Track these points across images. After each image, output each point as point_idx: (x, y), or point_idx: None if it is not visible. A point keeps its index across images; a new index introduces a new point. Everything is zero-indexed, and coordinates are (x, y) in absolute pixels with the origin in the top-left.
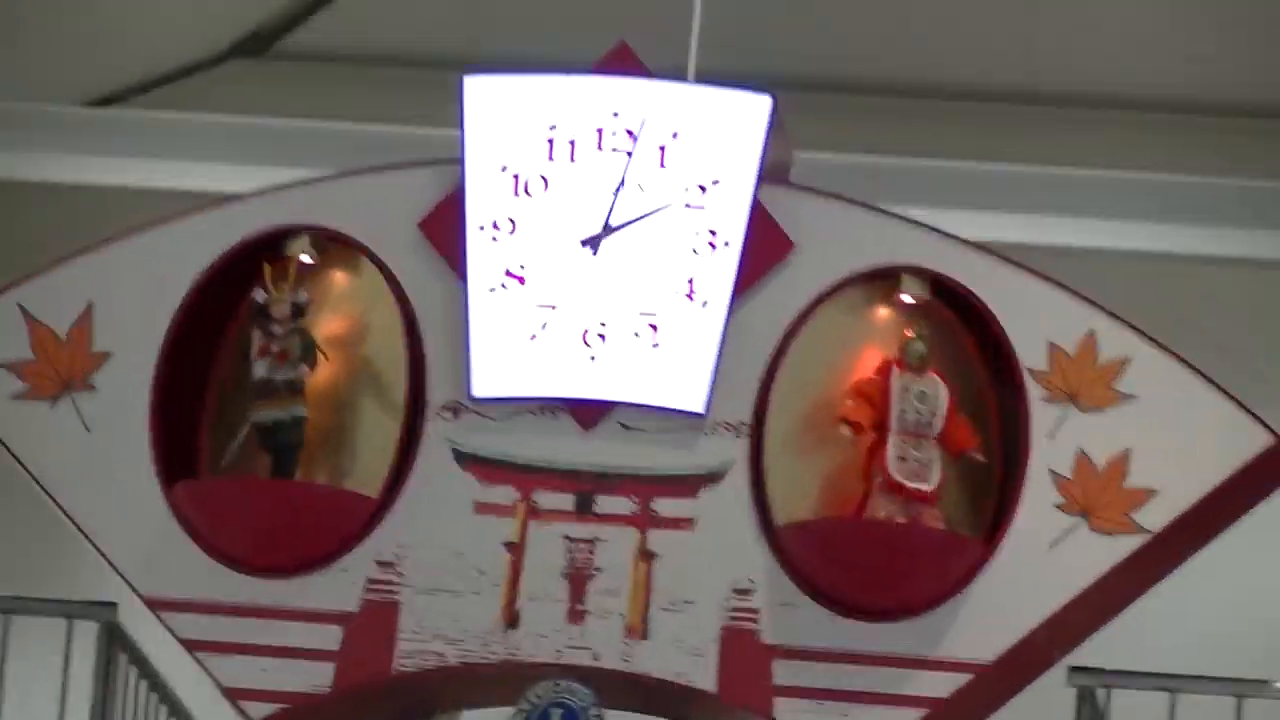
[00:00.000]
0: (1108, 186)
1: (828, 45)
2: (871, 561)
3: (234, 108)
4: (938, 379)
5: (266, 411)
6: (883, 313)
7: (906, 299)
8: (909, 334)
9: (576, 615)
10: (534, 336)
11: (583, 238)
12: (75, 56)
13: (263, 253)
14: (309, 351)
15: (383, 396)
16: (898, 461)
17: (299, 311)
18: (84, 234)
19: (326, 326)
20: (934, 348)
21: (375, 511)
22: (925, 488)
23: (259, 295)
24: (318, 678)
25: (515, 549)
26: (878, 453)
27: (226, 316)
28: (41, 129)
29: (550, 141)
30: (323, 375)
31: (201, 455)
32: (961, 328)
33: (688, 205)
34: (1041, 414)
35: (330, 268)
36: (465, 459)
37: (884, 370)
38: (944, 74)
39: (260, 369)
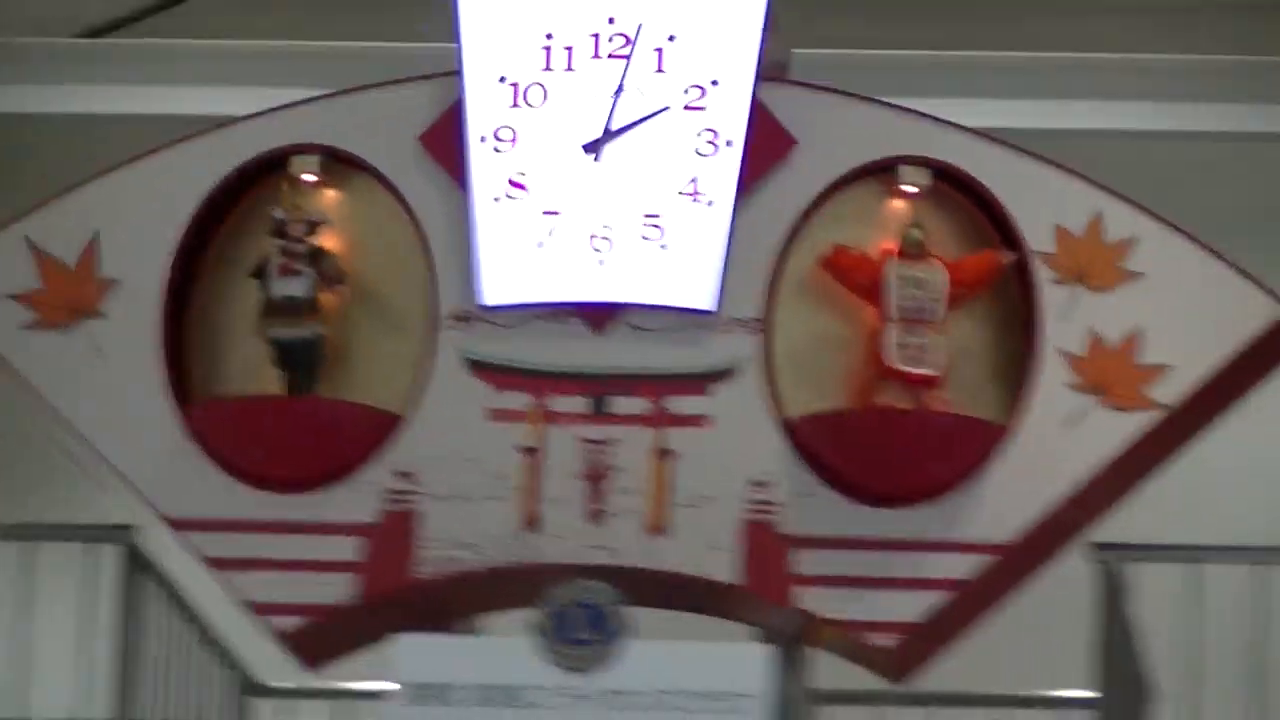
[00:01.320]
0: (1108, 67)
1: None
2: (881, 449)
3: (228, 32)
4: (937, 264)
5: (286, 329)
6: (886, 204)
7: (908, 189)
8: (908, 224)
9: (595, 515)
10: (541, 243)
11: (584, 143)
12: None
13: (265, 174)
14: (332, 268)
15: (391, 310)
16: (897, 349)
17: (314, 229)
18: (87, 164)
19: (332, 244)
20: (947, 236)
21: (391, 424)
22: (927, 372)
23: (276, 213)
24: (340, 589)
25: (532, 453)
26: (879, 342)
27: (231, 238)
28: (39, 62)
29: (547, 50)
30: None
31: (208, 376)
32: (971, 215)
33: (687, 107)
34: (1052, 296)
35: (333, 186)
36: (478, 367)
37: (879, 259)
38: None
39: (280, 287)
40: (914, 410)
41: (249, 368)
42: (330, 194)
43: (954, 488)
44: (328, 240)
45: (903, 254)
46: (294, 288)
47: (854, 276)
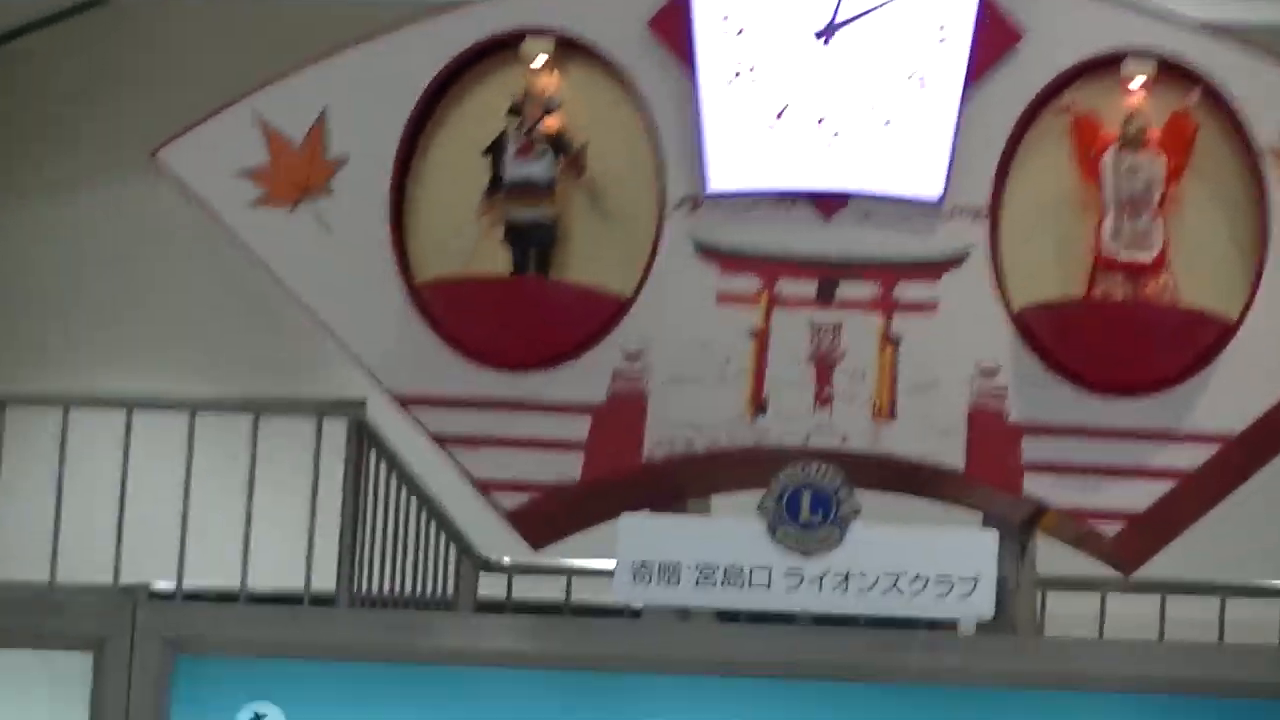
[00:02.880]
0: None
1: None
2: (1101, 340)
3: None
4: (1155, 153)
5: (523, 210)
6: (1112, 95)
7: (1135, 81)
8: (1129, 115)
9: (823, 399)
10: (770, 128)
11: (814, 30)
12: None
13: (494, 56)
14: (577, 154)
15: (620, 195)
16: (1113, 235)
17: (550, 112)
18: (317, 43)
19: (562, 127)
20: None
21: (620, 307)
22: (1144, 258)
23: (514, 97)
24: (567, 468)
25: (760, 336)
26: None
27: (460, 119)
28: None
29: None
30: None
31: (435, 253)
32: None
33: None
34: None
35: (562, 70)
36: (706, 251)
37: (1098, 150)
38: None
39: (519, 169)
40: (1133, 302)
41: (477, 246)
42: (559, 77)
43: (1178, 380)
44: (559, 123)
45: (1123, 143)
46: (533, 170)
47: (1087, 143)
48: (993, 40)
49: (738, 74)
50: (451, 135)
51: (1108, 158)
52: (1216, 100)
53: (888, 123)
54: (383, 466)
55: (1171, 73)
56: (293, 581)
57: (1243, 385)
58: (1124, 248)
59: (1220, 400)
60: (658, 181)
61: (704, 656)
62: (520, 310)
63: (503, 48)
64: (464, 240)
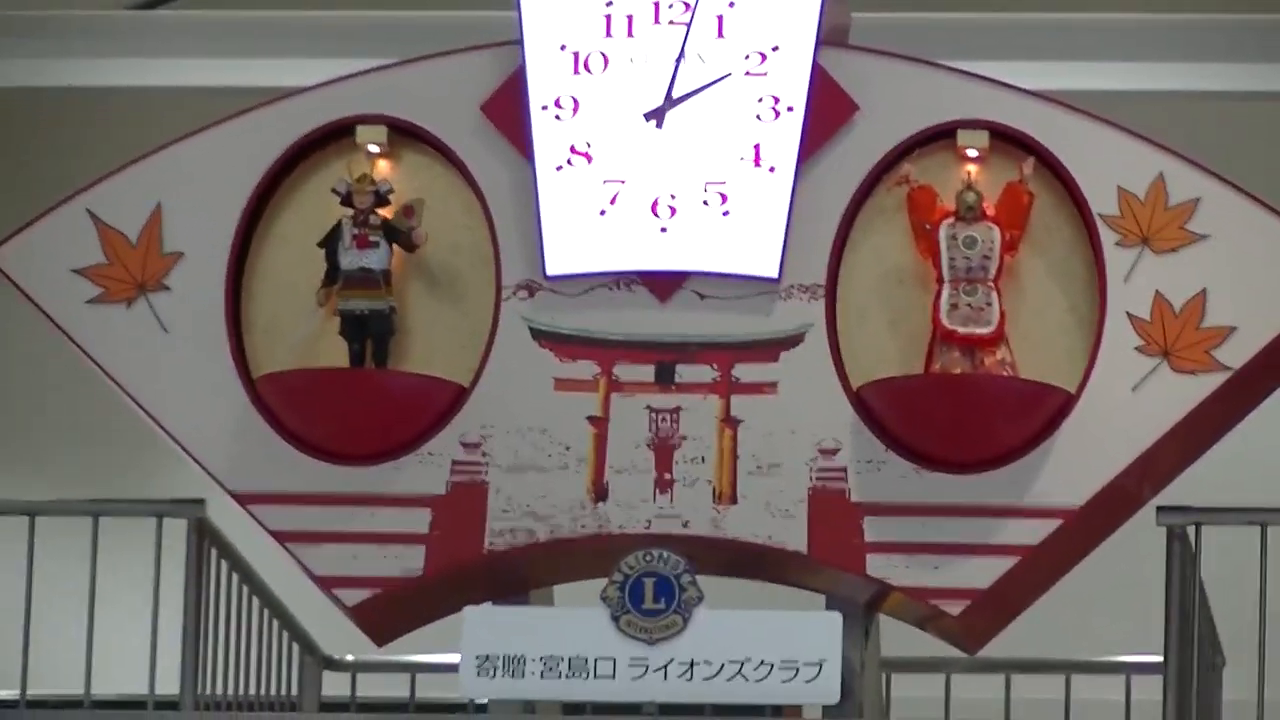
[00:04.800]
0: (1169, 27)
1: None
2: (941, 414)
3: (284, 3)
4: (990, 225)
5: (360, 301)
6: (949, 168)
7: (970, 152)
8: (964, 186)
9: (664, 484)
10: (604, 211)
11: (646, 111)
12: None
13: (327, 145)
14: (407, 239)
15: (454, 281)
16: (950, 309)
17: (382, 200)
18: (149, 137)
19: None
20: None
21: (458, 395)
22: (981, 331)
23: (340, 185)
24: (410, 561)
25: (599, 422)
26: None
27: (294, 209)
28: (99, 34)
29: (607, 17)
30: (395, 262)
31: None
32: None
33: (748, 73)
34: (1116, 258)
35: (396, 156)
36: (543, 336)
37: (934, 222)
38: None
39: (355, 259)
40: (971, 376)
41: (315, 339)
42: (392, 163)
43: (1019, 454)
44: (391, 210)
45: (958, 216)
46: (369, 259)
47: (922, 215)
48: (827, 114)
49: (571, 157)
50: (288, 226)
51: (943, 230)
52: (1051, 168)
53: (723, 201)
54: (223, 566)
55: (1006, 143)
56: (138, 686)
57: (1083, 458)
58: (961, 322)
59: (1062, 473)
60: (494, 267)
61: None
62: (358, 402)
63: (336, 136)
64: (302, 332)
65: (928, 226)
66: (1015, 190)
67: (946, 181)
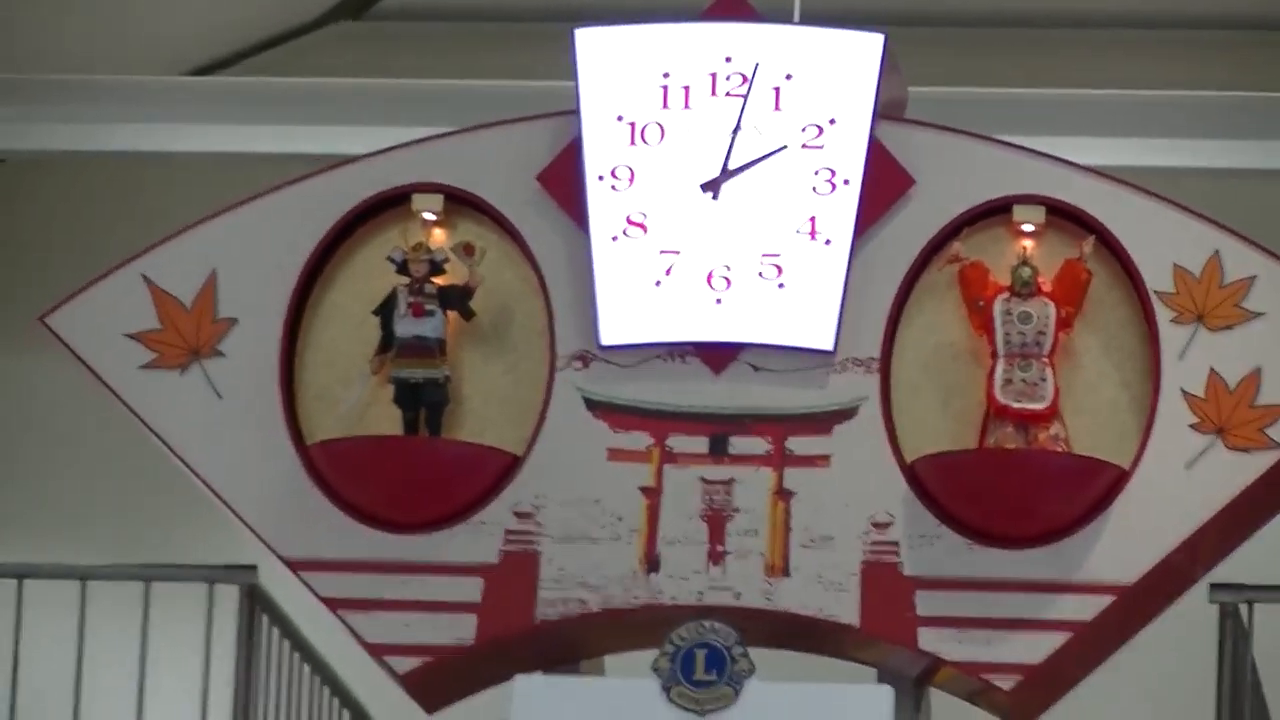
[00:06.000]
0: (1227, 105)
1: None
2: (994, 490)
3: (338, 71)
4: (1045, 300)
5: (415, 369)
6: (1002, 242)
7: (1026, 228)
8: (1019, 262)
9: (717, 556)
10: (659, 283)
11: (702, 182)
12: (174, 27)
13: (383, 213)
14: (464, 306)
15: (509, 351)
16: (1004, 385)
17: (437, 269)
18: (205, 203)
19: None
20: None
21: (511, 464)
22: (1035, 407)
23: (395, 254)
24: (461, 630)
25: (651, 493)
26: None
27: (349, 277)
28: (157, 99)
29: (664, 89)
30: (449, 331)
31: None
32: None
33: (805, 146)
34: (1170, 335)
35: (451, 225)
36: (597, 407)
37: (989, 297)
38: (1050, 2)
39: (410, 327)
40: (1025, 451)
41: (369, 406)
42: (448, 232)
43: (1072, 530)
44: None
45: (1013, 291)
46: (425, 328)
47: (975, 291)
48: (884, 188)
49: (627, 228)
50: (342, 293)
51: (998, 305)
52: (1106, 244)
53: (778, 274)
54: (275, 633)
55: (1061, 218)
56: None
57: (1136, 534)
58: (1015, 397)
59: (1114, 550)
60: (548, 336)
61: None
62: (411, 471)
63: (391, 204)
64: (353, 400)
65: (980, 303)
66: (1074, 267)
67: (1000, 255)
